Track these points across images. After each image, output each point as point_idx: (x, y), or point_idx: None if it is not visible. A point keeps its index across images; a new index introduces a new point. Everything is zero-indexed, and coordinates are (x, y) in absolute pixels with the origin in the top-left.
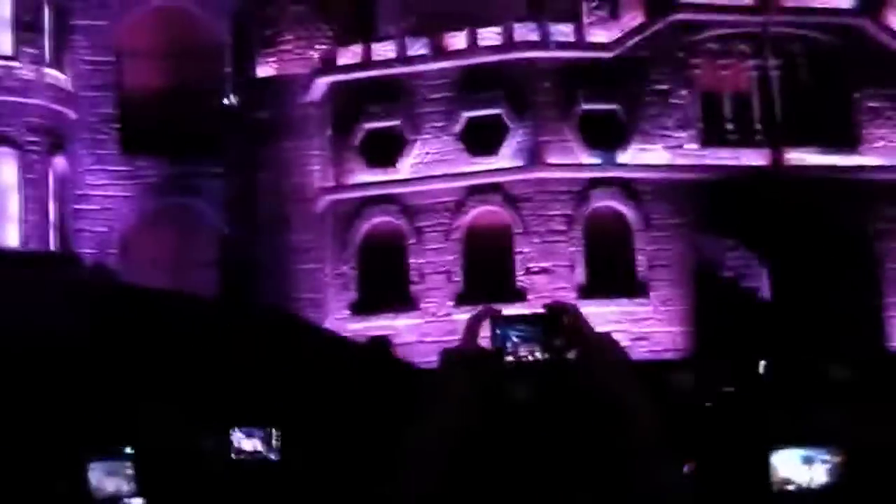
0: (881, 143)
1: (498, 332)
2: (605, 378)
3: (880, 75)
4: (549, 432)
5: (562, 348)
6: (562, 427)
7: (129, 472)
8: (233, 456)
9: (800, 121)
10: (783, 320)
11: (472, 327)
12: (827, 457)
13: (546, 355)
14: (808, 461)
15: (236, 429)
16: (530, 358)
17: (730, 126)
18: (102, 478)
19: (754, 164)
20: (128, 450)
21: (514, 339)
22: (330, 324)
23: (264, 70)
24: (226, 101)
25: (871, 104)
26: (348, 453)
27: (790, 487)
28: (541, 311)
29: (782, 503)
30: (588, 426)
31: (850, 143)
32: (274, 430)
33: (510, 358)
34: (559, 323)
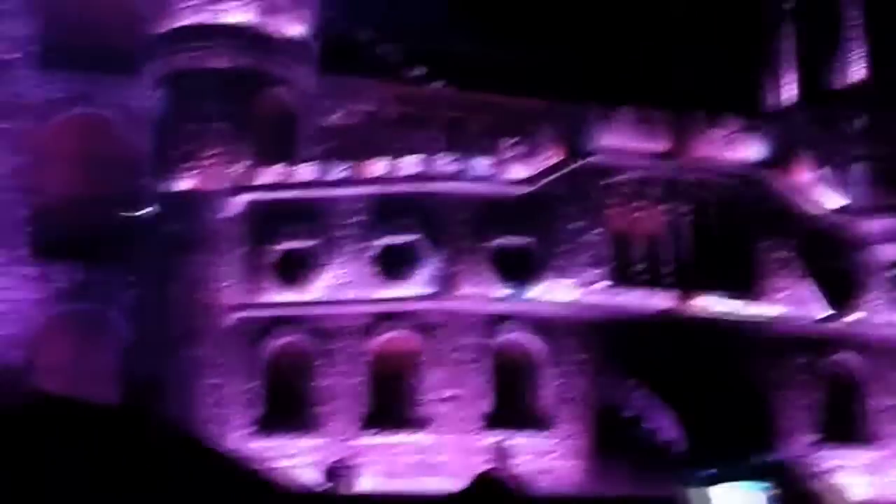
0: (783, 294)
1: None
2: None
3: (784, 227)
4: None
5: None
6: None
7: None
8: None
9: (707, 267)
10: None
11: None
12: None
13: None
14: None
15: None
16: None
17: (639, 267)
18: None
19: (661, 306)
20: None
21: None
22: (231, 441)
23: (182, 183)
24: (141, 212)
25: (775, 255)
26: None
27: None
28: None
29: None
30: None
31: (753, 291)
32: None
33: None
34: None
